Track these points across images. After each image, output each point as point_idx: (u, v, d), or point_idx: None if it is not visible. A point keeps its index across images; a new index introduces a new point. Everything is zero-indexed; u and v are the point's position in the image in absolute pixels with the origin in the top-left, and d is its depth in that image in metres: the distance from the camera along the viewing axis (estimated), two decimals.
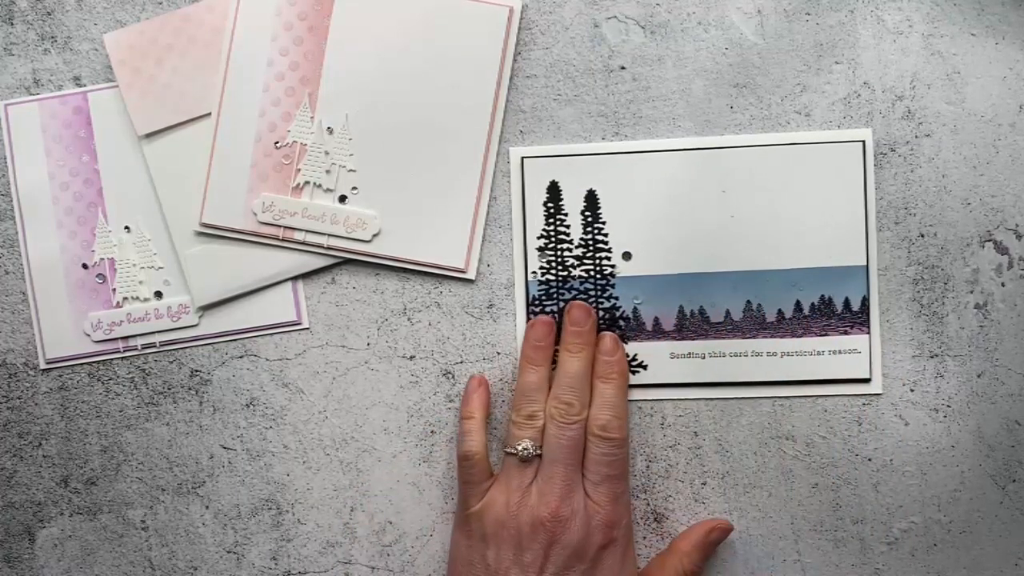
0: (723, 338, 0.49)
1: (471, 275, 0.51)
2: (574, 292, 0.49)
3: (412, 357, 0.52)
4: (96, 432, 0.53)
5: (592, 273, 0.49)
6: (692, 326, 0.49)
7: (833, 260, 0.48)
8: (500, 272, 0.51)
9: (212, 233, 0.52)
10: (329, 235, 0.51)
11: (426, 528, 0.52)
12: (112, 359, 0.53)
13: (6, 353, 0.53)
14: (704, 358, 0.49)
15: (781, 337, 0.48)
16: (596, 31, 0.50)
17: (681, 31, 0.50)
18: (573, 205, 0.49)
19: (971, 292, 0.50)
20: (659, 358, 0.49)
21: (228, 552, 0.52)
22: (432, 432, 0.52)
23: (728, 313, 0.48)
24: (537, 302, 0.49)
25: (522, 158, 0.49)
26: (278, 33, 0.51)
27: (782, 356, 0.48)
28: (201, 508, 0.52)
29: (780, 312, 0.48)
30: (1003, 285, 0.50)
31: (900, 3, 0.50)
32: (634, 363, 0.49)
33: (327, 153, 0.51)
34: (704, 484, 0.51)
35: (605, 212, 0.49)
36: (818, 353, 0.48)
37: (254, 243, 0.52)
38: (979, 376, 0.50)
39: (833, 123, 0.50)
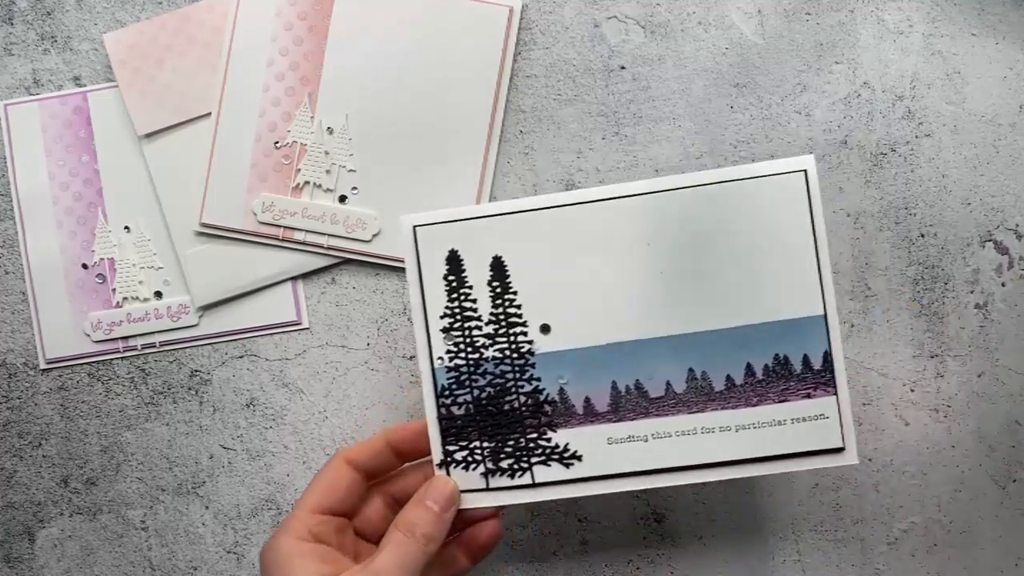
0: (667, 415, 0.41)
1: None
2: (489, 376, 0.42)
3: (412, 357, 0.52)
4: (96, 432, 0.53)
5: (507, 352, 0.42)
6: (629, 404, 0.41)
7: (785, 312, 0.41)
8: None
9: (212, 233, 0.52)
10: (329, 235, 0.51)
11: None
12: (112, 359, 0.53)
13: (6, 353, 0.53)
14: (647, 440, 0.41)
15: (734, 408, 0.41)
16: (596, 31, 0.50)
17: (681, 31, 0.50)
18: (478, 276, 0.42)
19: (971, 292, 0.50)
20: (595, 446, 0.41)
21: (228, 552, 0.52)
22: None
23: (669, 385, 0.41)
24: (448, 392, 0.42)
25: (414, 227, 0.42)
26: (278, 33, 0.51)
27: (737, 430, 0.41)
28: (201, 508, 0.52)
29: (729, 379, 0.41)
30: (1003, 285, 0.50)
31: (900, 3, 0.50)
32: (567, 455, 0.42)
33: (327, 153, 0.51)
34: (704, 484, 0.51)
35: (515, 280, 0.42)
36: (779, 423, 0.41)
37: (254, 243, 0.52)
38: (979, 376, 0.50)
39: (833, 123, 0.50)
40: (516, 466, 0.42)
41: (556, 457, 0.42)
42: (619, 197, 0.41)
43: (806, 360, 0.41)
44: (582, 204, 0.42)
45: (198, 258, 0.52)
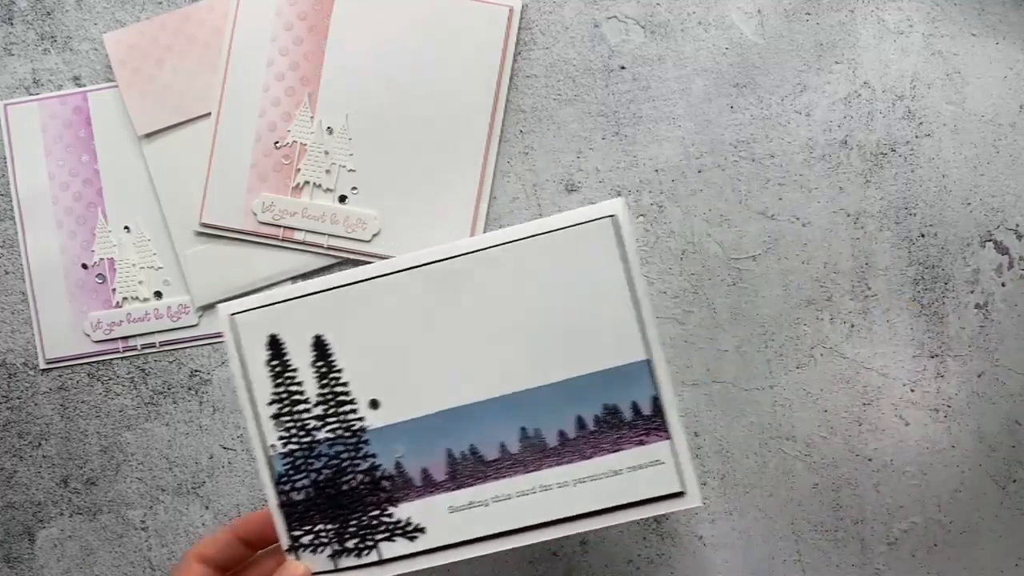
0: (504, 477, 0.41)
1: None
2: (324, 458, 0.41)
3: None
4: (96, 432, 0.53)
5: (340, 432, 0.41)
6: (467, 470, 0.41)
7: (609, 361, 0.40)
8: None
9: (212, 233, 0.52)
10: (329, 235, 0.51)
11: None
12: (112, 359, 0.53)
13: (6, 353, 0.53)
14: (487, 505, 0.41)
15: (569, 462, 0.41)
16: (596, 31, 0.50)
17: (681, 31, 0.50)
18: (301, 358, 0.41)
19: (971, 292, 0.50)
20: (437, 516, 0.41)
21: None
22: None
23: (503, 446, 0.41)
24: (285, 479, 0.41)
25: (231, 315, 0.41)
26: (278, 33, 0.51)
27: (575, 484, 0.41)
28: (201, 508, 0.52)
29: (562, 433, 0.41)
30: (1003, 285, 0.50)
31: (900, 3, 0.50)
32: (410, 529, 0.41)
33: (327, 153, 0.51)
34: (704, 484, 0.51)
35: (339, 358, 0.41)
36: (616, 473, 0.40)
37: (254, 243, 0.52)
38: (979, 376, 0.50)
39: (833, 123, 0.50)
40: (362, 545, 0.41)
41: (400, 532, 0.41)
42: (430, 263, 0.41)
43: (635, 407, 0.41)
44: (394, 275, 0.41)
45: (198, 258, 0.52)
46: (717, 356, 0.51)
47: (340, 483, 0.42)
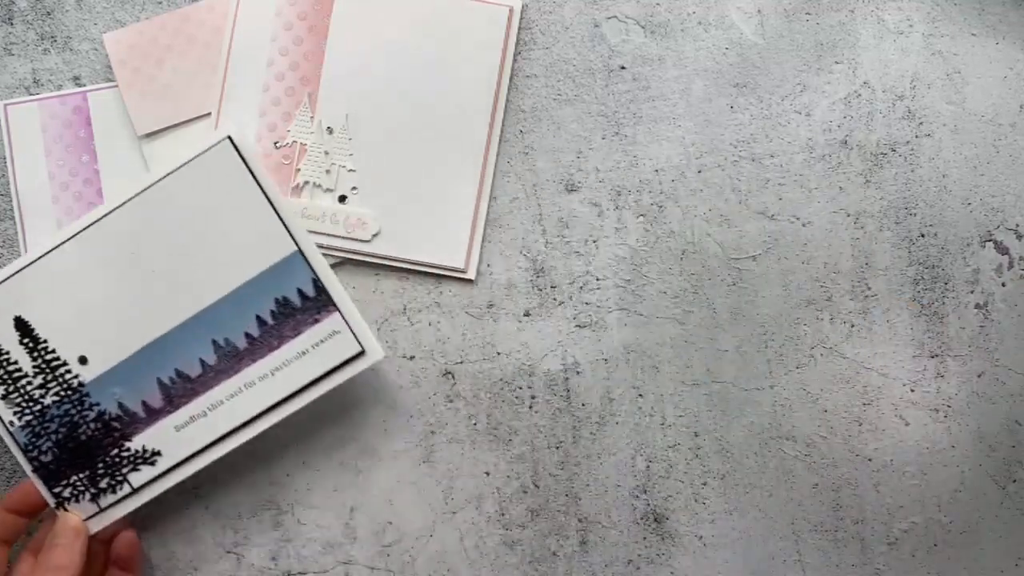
0: (212, 387, 0.47)
1: (471, 275, 0.51)
2: (57, 419, 0.47)
3: (412, 357, 0.52)
4: None
5: (63, 394, 0.47)
6: (178, 391, 0.47)
7: (268, 261, 0.46)
8: (500, 272, 0.51)
9: None
10: (329, 235, 0.51)
11: (426, 528, 0.52)
12: None
13: None
14: (206, 415, 0.47)
15: (262, 357, 0.47)
16: (596, 31, 0.50)
17: (681, 31, 0.50)
18: (8, 340, 0.47)
19: (971, 292, 0.50)
20: (167, 438, 0.47)
21: (228, 552, 0.52)
22: (432, 432, 0.52)
23: (203, 362, 0.47)
24: (31, 447, 0.47)
25: None
26: (278, 33, 0.51)
27: (274, 374, 0.47)
28: (201, 508, 0.52)
29: (248, 335, 0.47)
30: (1003, 285, 0.50)
31: (900, 3, 0.50)
32: (148, 455, 0.47)
33: (327, 153, 0.51)
34: (704, 484, 0.51)
35: (41, 330, 0.47)
36: (304, 353, 0.47)
37: None
38: (979, 376, 0.50)
39: (833, 123, 0.50)
40: (113, 482, 0.47)
41: (141, 460, 0.47)
42: (88, 226, 0.47)
43: (301, 292, 0.47)
44: (62, 245, 0.47)
45: None
46: (717, 356, 0.51)
47: (78, 436, 0.47)
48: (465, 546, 0.51)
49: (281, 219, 0.47)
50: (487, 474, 0.51)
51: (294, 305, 0.47)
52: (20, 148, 0.53)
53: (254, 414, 0.47)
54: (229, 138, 0.46)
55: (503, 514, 0.51)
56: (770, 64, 0.50)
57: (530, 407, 0.51)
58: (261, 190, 0.46)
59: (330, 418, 0.52)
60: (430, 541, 0.52)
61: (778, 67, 0.50)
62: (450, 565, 0.51)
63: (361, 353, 0.47)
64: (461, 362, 0.51)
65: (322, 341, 0.47)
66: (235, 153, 0.46)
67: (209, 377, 0.47)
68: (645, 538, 0.51)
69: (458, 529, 0.51)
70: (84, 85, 0.52)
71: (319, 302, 0.47)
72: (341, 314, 0.47)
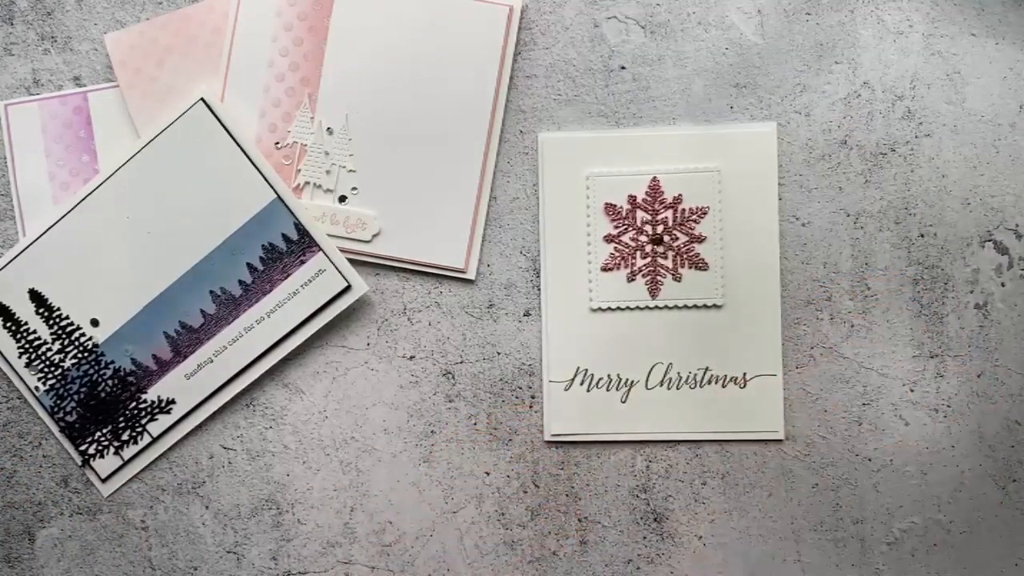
0: (215, 335, 0.50)
1: (471, 275, 0.51)
2: (77, 381, 0.51)
3: (412, 357, 0.52)
4: None
5: (80, 356, 0.51)
6: (184, 342, 0.51)
7: (251, 211, 0.50)
8: (500, 272, 0.51)
9: None
10: (329, 235, 0.51)
11: (426, 528, 0.52)
12: None
13: None
14: (212, 361, 0.51)
15: (257, 301, 0.50)
16: (596, 31, 0.50)
17: (681, 31, 0.50)
18: (25, 312, 0.51)
19: (971, 292, 0.50)
20: (179, 387, 0.51)
21: (228, 552, 0.52)
22: (432, 432, 0.52)
23: (203, 312, 0.50)
24: (57, 409, 0.51)
25: None
26: (278, 34, 0.51)
27: (270, 315, 0.50)
28: (201, 508, 0.52)
29: (241, 282, 0.50)
30: (1003, 285, 0.50)
31: (900, 3, 0.50)
32: (164, 404, 0.51)
33: (327, 153, 0.51)
34: (704, 484, 0.51)
35: (54, 299, 0.51)
36: (295, 293, 0.50)
37: None
38: (979, 376, 0.50)
39: (833, 123, 0.50)
40: (134, 433, 0.51)
41: (157, 410, 0.51)
42: (84, 198, 0.51)
43: (285, 237, 0.50)
44: (64, 217, 0.51)
45: None
46: None
47: (98, 393, 0.51)
48: (465, 546, 0.51)
49: (259, 169, 0.49)
50: (487, 474, 0.51)
51: (280, 249, 0.50)
52: (20, 148, 0.53)
53: (256, 355, 0.50)
54: (203, 100, 0.49)
55: (503, 514, 0.51)
56: (770, 64, 0.50)
57: (530, 407, 0.51)
58: (237, 145, 0.49)
59: (330, 417, 0.52)
60: (430, 541, 0.52)
61: (778, 67, 0.50)
62: (450, 565, 0.51)
63: (347, 288, 0.50)
64: (461, 362, 0.51)
65: (310, 280, 0.50)
66: (209, 113, 0.50)
67: (211, 325, 0.50)
68: (645, 538, 0.51)
69: (458, 529, 0.51)
70: (84, 85, 0.52)
71: (303, 244, 0.50)
72: (325, 253, 0.50)
